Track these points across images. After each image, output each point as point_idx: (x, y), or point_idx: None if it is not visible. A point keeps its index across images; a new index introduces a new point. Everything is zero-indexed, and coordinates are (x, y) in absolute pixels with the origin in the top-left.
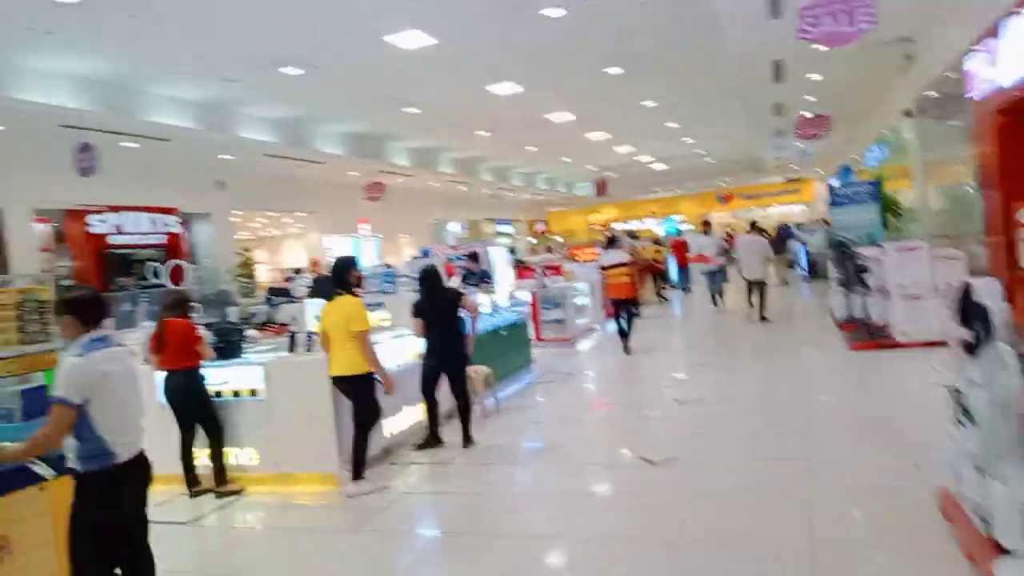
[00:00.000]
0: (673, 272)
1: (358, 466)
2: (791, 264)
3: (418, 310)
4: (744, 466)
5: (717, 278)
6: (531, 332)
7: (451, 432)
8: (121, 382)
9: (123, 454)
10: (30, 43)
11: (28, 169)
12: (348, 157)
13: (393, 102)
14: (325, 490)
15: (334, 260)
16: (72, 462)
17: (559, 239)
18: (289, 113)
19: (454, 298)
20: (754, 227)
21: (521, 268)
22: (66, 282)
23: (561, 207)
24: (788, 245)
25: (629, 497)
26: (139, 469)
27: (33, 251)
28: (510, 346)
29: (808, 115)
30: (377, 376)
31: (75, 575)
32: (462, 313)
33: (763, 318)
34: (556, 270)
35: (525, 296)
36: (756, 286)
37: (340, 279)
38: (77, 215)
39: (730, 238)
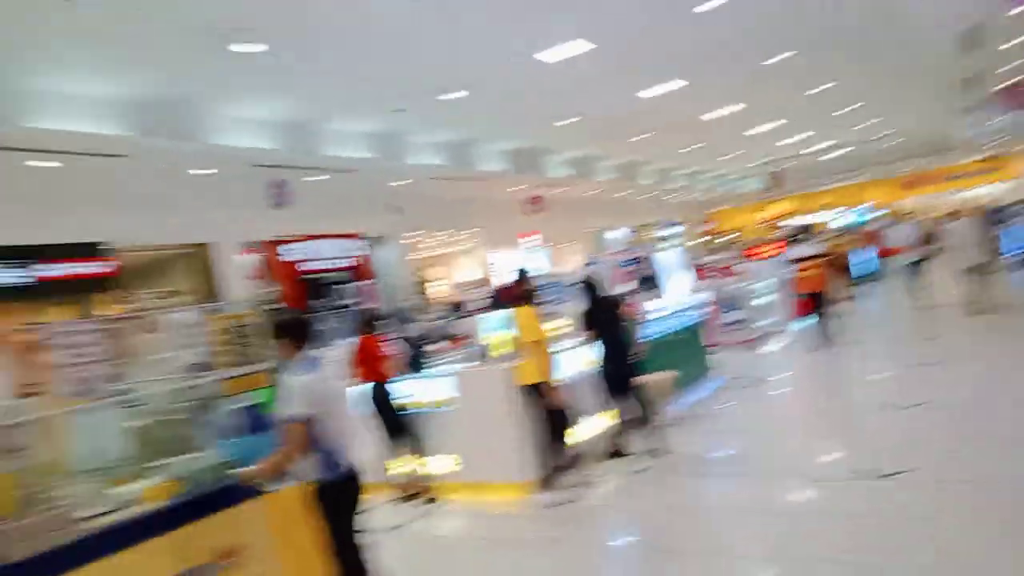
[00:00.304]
0: (867, 263)
1: (549, 476)
2: (997, 250)
3: (584, 319)
4: (1000, 479)
5: (918, 268)
6: (709, 336)
7: (639, 442)
8: (338, 396)
9: (349, 463)
10: (232, 93)
11: (233, 206)
12: (509, 173)
13: (549, 116)
14: (518, 499)
15: (515, 272)
16: (307, 474)
17: (729, 238)
18: (453, 136)
19: (616, 304)
20: (967, 210)
21: (695, 270)
22: (271, 307)
23: (728, 205)
24: (996, 229)
25: (856, 514)
26: (358, 478)
27: (241, 280)
28: (688, 351)
29: (1011, 83)
30: (541, 386)
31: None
32: (628, 319)
33: (981, 311)
34: (730, 271)
35: (701, 298)
36: (974, 273)
37: (516, 290)
38: (274, 245)
39: (935, 224)
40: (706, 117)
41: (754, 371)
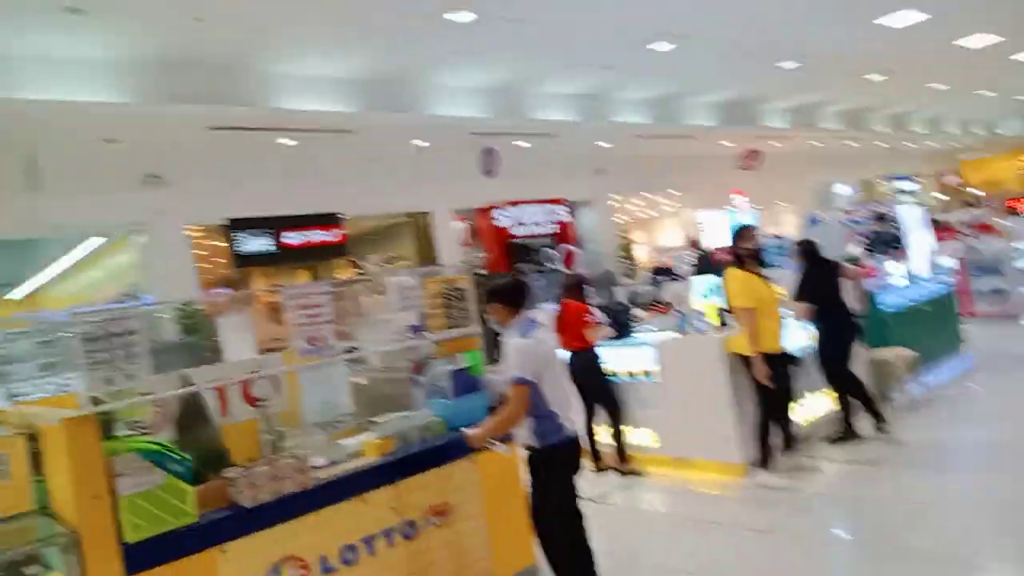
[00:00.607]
0: None
1: (765, 456)
2: None
3: (802, 287)
4: None
5: None
6: (960, 306)
7: (870, 426)
8: (554, 360)
9: (570, 429)
10: (441, 64)
11: (447, 175)
12: (719, 128)
13: (768, 59)
14: (728, 480)
15: (731, 230)
16: (528, 439)
17: (978, 192)
18: (659, 91)
19: (839, 270)
20: None
21: (939, 229)
22: (480, 272)
23: (979, 153)
24: None
25: None
26: (579, 448)
27: (454, 246)
28: (935, 323)
29: None
30: (754, 359)
31: (548, 547)
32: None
33: None
34: (987, 228)
35: (949, 263)
36: None
37: (734, 251)
38: (485, 211)
39: None
40: (957, 44)
41: (1014, 348)
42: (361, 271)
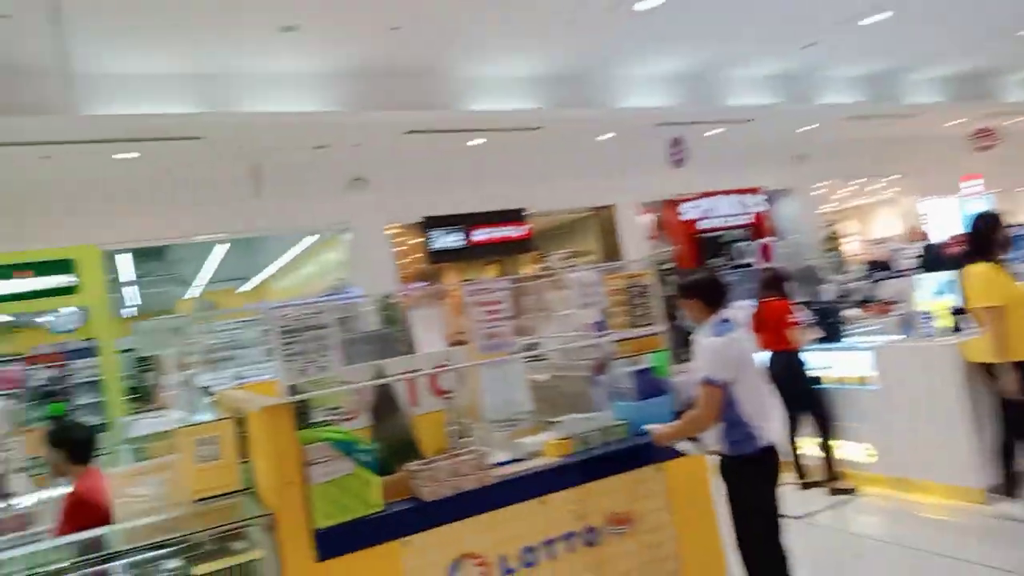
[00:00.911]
0: None
1: (1010, 482)
2: None
3: None
4: None
5: None
6: None
7: None
8: (752, 362)
9: (765, 439)
10: (628, 55)
11: (632, 168)
12: (948, 104)
13: (1010, 27)
14: (959, 506)
15: (971, 220)
16: (719, 445)
17: None
18: (872, 67)
19: None
20: None
21: None
22: (668, 266)
23: None
24: None
25: None
26: (776, 458)
27: (640, 240)
28: None
29: None
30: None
31: (746, 558)
32: None
33: None
34: None
35: None
36: None
37: (977, 240)
38: (672, 204)
39: None
40: None
41: None
42: (546, 266)
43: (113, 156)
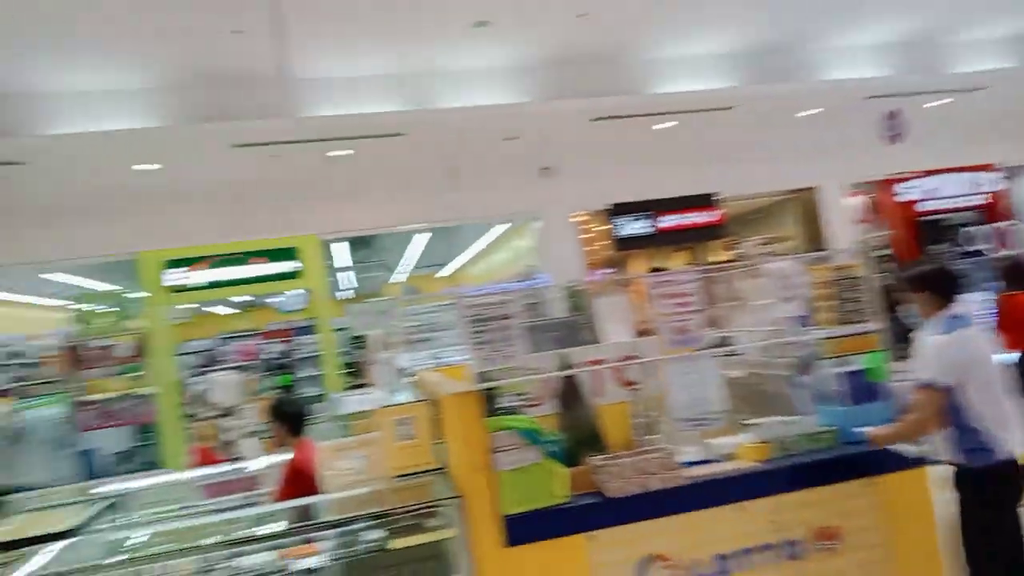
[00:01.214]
0: None
1: None
2: None
3: None
4: None
5: None
6: None
7: None
8: (988, 364)
9: (1005, 449)
10: (831, 23)
11: (837, 146)
12: None
13: None
14: None
15: None
16: (951, 455)
17: None
18: None
19: None
20: None
21: None
22: (880, 254)
23: None
24: None
25: None
26: (1018, 472)
27: (847, 226)
28: None
29: None
30: None
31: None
32: None
33: None
34: None
35: None
36: None
37: None
38: (887, 184)
39: None
40: None
41: None
42: (737, 254)
43: (327, 154)
